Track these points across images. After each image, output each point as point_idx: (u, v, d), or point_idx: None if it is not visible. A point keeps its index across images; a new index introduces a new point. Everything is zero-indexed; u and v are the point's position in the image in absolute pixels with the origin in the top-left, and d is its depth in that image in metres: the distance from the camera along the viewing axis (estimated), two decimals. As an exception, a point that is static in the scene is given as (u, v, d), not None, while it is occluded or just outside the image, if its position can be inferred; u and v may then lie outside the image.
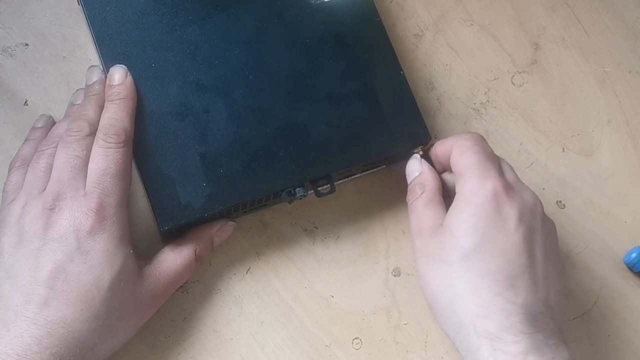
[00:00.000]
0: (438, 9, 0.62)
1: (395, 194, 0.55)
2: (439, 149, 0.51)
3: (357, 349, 0.53)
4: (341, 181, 0.55)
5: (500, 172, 0.48)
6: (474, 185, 0.47)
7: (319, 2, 0.54)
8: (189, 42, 0.52)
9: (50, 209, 0.45)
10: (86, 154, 0.47)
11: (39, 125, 0.53)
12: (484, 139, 0.50)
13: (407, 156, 0.54)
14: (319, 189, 0.52)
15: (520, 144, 0.60)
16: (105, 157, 0.47)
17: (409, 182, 0.52)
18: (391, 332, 0.53)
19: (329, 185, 0.52)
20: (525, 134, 0.60)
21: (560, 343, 0.45)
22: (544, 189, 0.58)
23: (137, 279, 0.47)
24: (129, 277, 0.46)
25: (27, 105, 0.54)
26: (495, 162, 0.49)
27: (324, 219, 0.55)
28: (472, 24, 0.62)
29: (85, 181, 0.46)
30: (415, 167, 0.52)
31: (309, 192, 0.52)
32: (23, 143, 0.52)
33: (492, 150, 0.50)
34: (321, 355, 0.52)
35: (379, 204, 0.56)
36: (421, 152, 0.53)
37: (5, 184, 0.50)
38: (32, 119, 0.54)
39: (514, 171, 0.50)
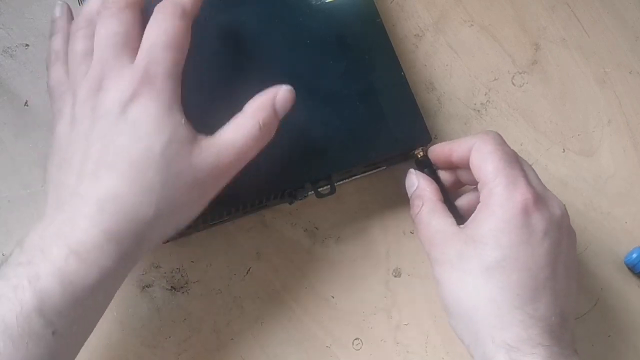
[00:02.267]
0: (438, 9, 0.62)
1: (396, 195, 0.55)
2: (457, 149, 0.50)
3: (358, 350, 0.53)
4: (341, 182, 0.55)
5: (528, 180, 0.47)
6: (500, 195, 0.46)
7: (319, 3, 0.54)
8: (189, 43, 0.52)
9: (97, 90, 0.44)
10: (126, 29, 0.45)
11: (58, 15, 0.50)
12: (503, 139, 0.49)
13: (407, 157, 0.54)
14: (319, 189, 0.52)
15: (521, 145, 0.60)
16: (157, 28, 0.45)
17: (409, 197, 0.52)
18: (392, 332, 0.53)
19: (329, 186, 0.52)
20: (526, 135, 0.60)
21: (573, 354, 0.45)
22: (544, 189, 0.58)
23: (193, 148, 0.44)
24: (183, 147, 0.44)
25: (27, 105, 0.54)
26: (520, 167, 0.47)
27: (324, 220, 0.55)
28: (472, 25, 0.62)
29: (130, 57, 0.45)
30: (412, 182, 0.52)
31: (310, 192, 0.52)
32: (50, 38, 0.50)
33: (514, 151, 0.48)
34: (322, 355, 0.52)
35: (379, 204, 0.56)
36: (422, 153, 0.53)
37: (47, 82, 0.48)
38: (32, 119, 0.54)
39: (536, 174, 0.49)
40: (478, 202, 0.48)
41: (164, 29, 0.44)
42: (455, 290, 0.46)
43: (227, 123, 0.46)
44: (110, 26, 0.45)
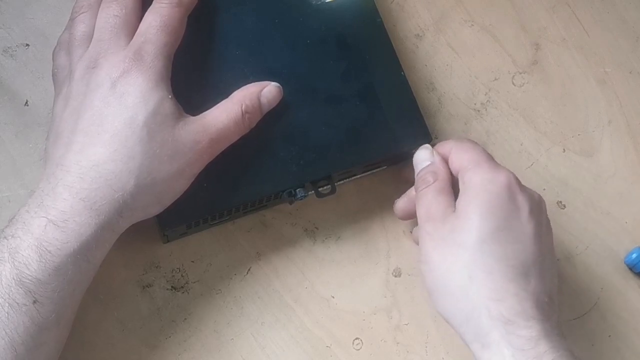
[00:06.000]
0: (439, 9, 0.62)
1: (396, 195, 0.54)
2: (439, 151, 0.52)
3: (358, 350, 0.53)
4: (342, 182, 0.55)
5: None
6: (486, 175, 0.47)
7: (320, 2, 0.54)
8: (189, 43, 0.52)
9: (93, 68, 0.46)
10: (125, 13, 0.47)
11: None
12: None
13: (408, 157, 0.54)
14: (319, 189, 0.52)
15: (521, 145, 0.60)
16: (154, 13, 0.48)
17: (417, 170, 0.52)
18: (392, 332, 0.53)
19: (329, 185, 0.52)
20: (526, 135, 0.60)
21: (562, 336, 0.45)
22: (544, 189, 0.58)
23: (176, 122, 0.46)
24: (167, 119, 0.46)
25: (27, 105, 0.54)
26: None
27: (324, 220, 0.55)
28: (472, 25, 0.62)
29: (127, 39, 0.47)
30: (426, 157, 0.52)
31: (310, 192, 0.52)
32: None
33: None
34: (322, 355, 0.52)
35: (379, 204, 0.56)
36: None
37: (52, 70, 0.50)
38: (32, 119, 0.54)
39: None
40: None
41: (160, 13, 0.47)
42: (447, 265, 0.46)
43: (214, 106, 0.49)
44: (110, 9, 0.48)
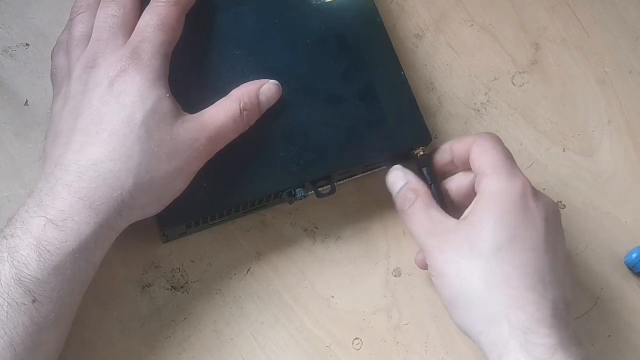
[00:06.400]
0: (439, 9, 0.62)
1: (396, 195, 0.54)
2: (457, 147, 0.51)
3: (358, 350, 0.53)
4: (342, 182, 0.55)
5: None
6: (502, 182, 0.47)
7: (320, 2, 0.54)
8: (189, 43, 0.52)
9: (92, 67, 0.46)
10: (124, 13, 0.48)
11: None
12: (502, 142, 0.50)
13: (408, 157, 0.54)
14: (319, 189, 0.52)
15: (521, 145, 0.60)
16: (151, 12, 0.48)
17: (395, 192, 0.52)
18: (392, 332, 0.53)
19: (329, 185, 0.52)
20: (526, 135, 0.60)
21: (580, 344, 0.45)
22: (544, 189, 0.58)
23: (175, 121, 0.46)
24: (165, 118, 0.46)
25: (27, 105, 0.54)
26: (516, 164, 0.49)
27: (324, 220, 0.55)
28: (472, 25, 0.62)
29: (125, 38, 0.47)
30: (400, 177, 0.52)
31: (310, 192, 0.52)
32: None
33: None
34: (322, 355, 0.52)
35: (379, 204, 0.56)
36: (422, 152, 0.53)
37: (50, 70, 0.51)
38: (32, 119, 0.54)
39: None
40: (466, 188, 0.51)
41: (157, 12, 0.48)
42: (464, 276, 0.46)
43: (213, 105, 0.49)
44: (108, 10, 0.48)
